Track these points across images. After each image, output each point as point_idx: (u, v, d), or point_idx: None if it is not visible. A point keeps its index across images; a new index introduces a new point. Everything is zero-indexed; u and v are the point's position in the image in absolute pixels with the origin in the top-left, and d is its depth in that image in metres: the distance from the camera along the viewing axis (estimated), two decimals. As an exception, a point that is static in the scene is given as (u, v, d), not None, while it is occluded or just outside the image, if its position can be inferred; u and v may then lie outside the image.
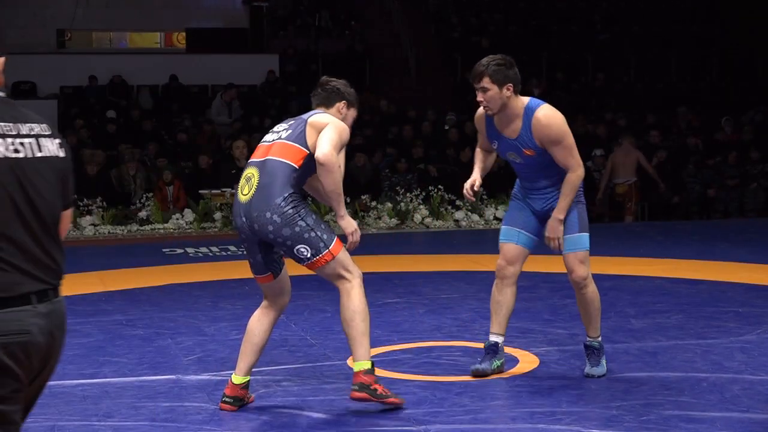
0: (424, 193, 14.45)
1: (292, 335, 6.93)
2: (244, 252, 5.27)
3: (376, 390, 5.05)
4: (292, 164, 5.05)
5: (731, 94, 20.14)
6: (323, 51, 20.94)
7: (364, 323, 5.09)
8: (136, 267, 10.41)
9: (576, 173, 5.50)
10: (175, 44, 23.42)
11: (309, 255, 5.00)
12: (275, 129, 5.30)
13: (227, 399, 5.15)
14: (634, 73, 20.97)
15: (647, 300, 8.04)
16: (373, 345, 6.51)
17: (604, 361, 5.79)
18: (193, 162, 15.34)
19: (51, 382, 5.60)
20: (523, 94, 5.57)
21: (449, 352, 6.29)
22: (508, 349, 6.34)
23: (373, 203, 14.27)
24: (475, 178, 5.75)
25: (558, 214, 5.54)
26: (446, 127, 17.33)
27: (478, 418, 4.96)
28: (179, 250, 11.70)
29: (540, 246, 5.79)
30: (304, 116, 5.25)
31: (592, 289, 5.67)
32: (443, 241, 13.03)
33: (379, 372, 5.82)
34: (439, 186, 14.50)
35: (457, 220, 14.33)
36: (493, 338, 5.80)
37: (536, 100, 5.58)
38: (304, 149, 5.07)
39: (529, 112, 5.50)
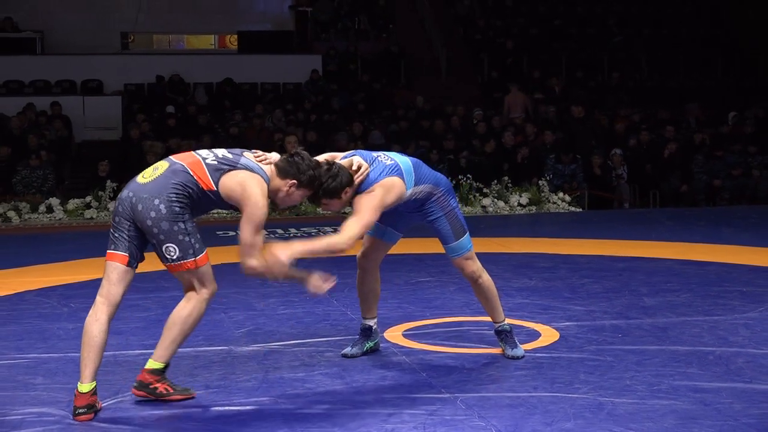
0: (454, 182, 14.36)
1: (334, 310, 6.92)
2: (113, 228, 4.66)
3: (156, 389, 4.70)
4: (200, 183, 4.62)
5: (735, 91, 19.97)
6: (362, 52, 20.92)
7: (182, 334, 4.68)
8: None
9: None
10: (228, 46, 23.45)
11: (175, 256, 4.57)
12: (214, 150, 4.80)
13: (80, 410, 4.51)
14: (646, 71, 20.85)
15: (659, 280, 7.98)
16: (407, 320, 6.54)
17: (518, 342, 5.59)
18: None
19: (115, 352, 5.65)
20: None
21: (477, 327, 6.26)
22: (531, 324, 6.33)
23: (407, 191, 14.20)
24: None
25: (290, 252, 4.59)
26: (474, 122, 17.29)
27: (502, 386, 4.94)
28: (231, 233, 11.70)
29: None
30: (240, 161, 4.71)
31: (485, 278, 5.46)
32: (472, 226, 12.71)
33: (414, 345, 5.83)
34: (468, 175, 14.46)
35: (484, 206, 14.29)
36: (366, 323, 5.65)
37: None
38: (213, 185, 4.64)
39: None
